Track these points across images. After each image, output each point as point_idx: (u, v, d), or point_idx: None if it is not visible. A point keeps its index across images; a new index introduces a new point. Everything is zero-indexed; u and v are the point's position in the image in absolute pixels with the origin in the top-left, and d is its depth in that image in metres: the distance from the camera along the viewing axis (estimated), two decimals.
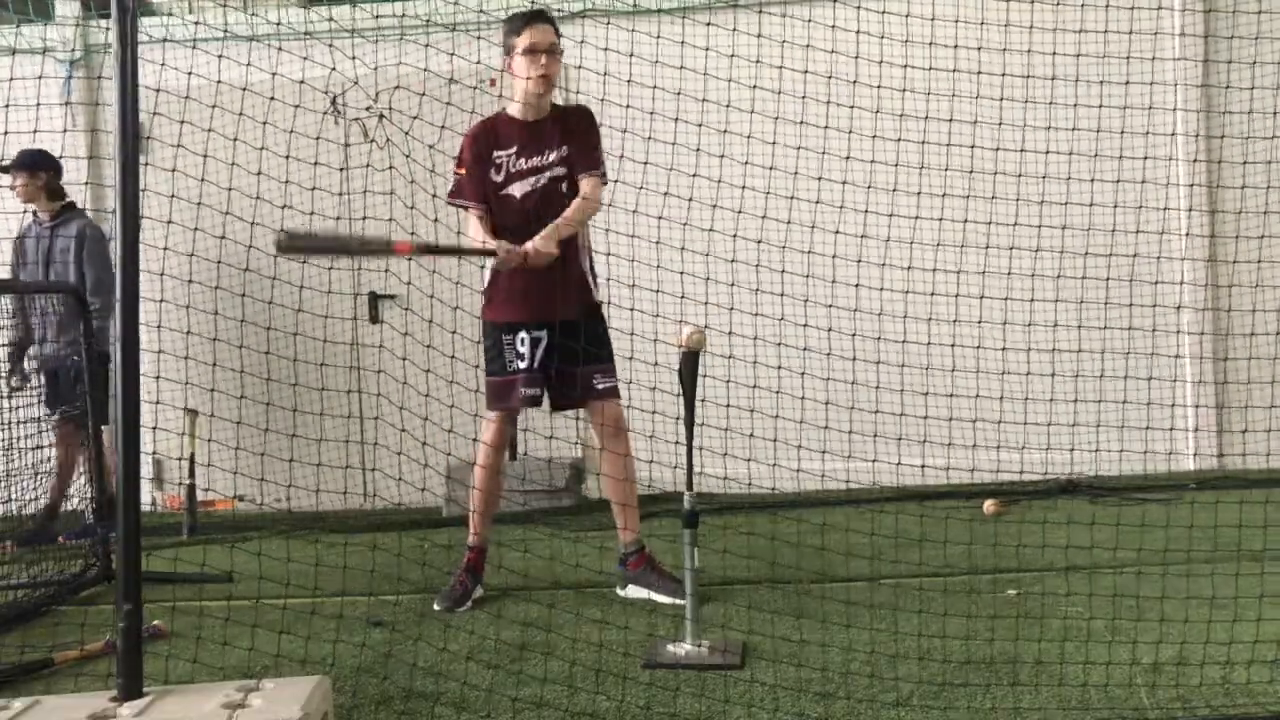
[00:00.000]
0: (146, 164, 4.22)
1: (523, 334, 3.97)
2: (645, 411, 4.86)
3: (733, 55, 5.25)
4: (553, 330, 3.96)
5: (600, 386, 4.00)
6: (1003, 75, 5.47)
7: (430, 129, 4.65)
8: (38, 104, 4.26)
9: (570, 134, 4.00)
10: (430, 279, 5.37)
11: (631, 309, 4.72)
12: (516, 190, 3.96)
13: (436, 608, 3.92)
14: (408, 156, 5.03)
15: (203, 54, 4.27)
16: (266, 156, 4.54)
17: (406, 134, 4.92)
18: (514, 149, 3.97)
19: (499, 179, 3.98)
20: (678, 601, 3.76)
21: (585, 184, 3.97)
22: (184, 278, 4.53)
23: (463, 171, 4.04)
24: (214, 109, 4.47)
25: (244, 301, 5.02)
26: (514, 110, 4.04)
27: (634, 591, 4.00)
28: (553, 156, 3.98)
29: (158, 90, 3.84)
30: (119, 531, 2.49)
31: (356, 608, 3.97)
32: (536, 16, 3.95)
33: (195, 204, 4.11)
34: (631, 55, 4.65)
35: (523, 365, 3.97)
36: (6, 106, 3.82)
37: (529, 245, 3.80)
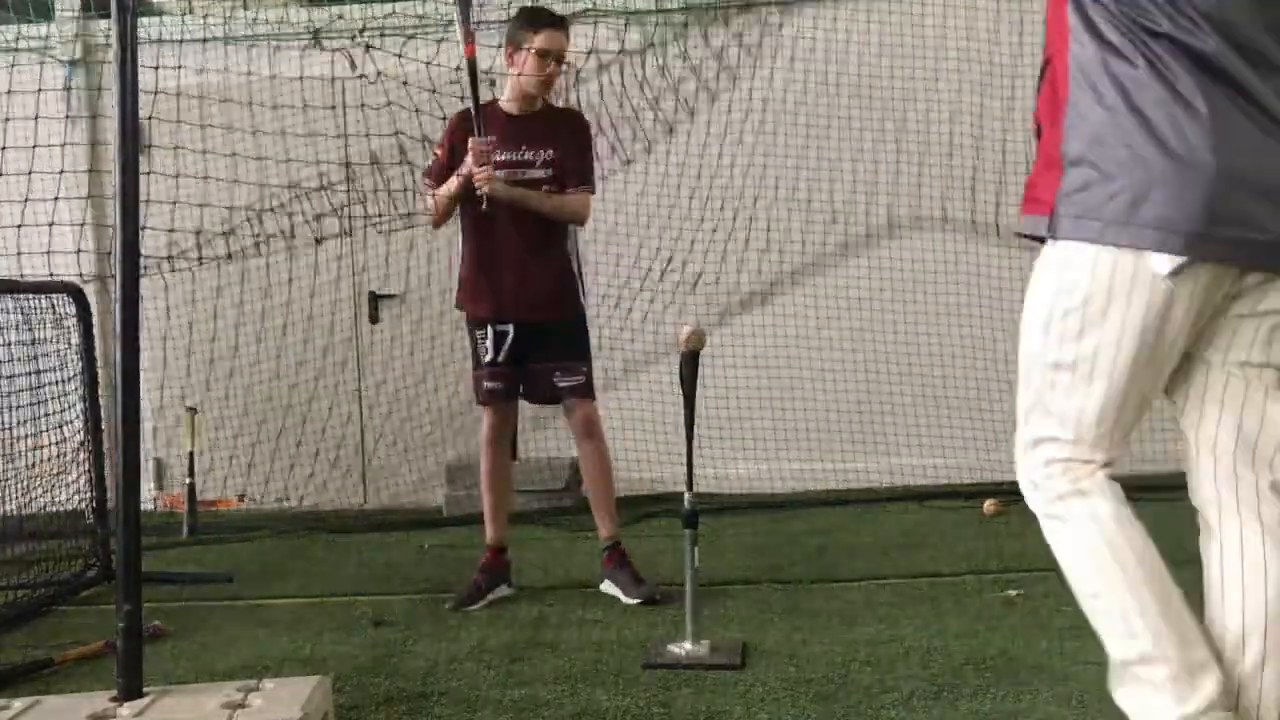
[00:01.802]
0: (149, 172, 4.21)
1: (488, 328, 3.98)
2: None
3: (740, 51, 5.24)
4: (520, 327, 3.95)
5: (561, 385, 3.98)
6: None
7: (425, 48, 4.52)
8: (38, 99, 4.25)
9: (561, 140, 3.94)
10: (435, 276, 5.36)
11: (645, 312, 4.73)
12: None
13: (447, 606, 3.90)
14: (404, 84, 4.85)
15: (202, 44, 4.25)
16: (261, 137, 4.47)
17: (399, 55, 4.76)
18: (493, 139, 3.90)
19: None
20: (635, 602, 3.83)
21: (572, 196, 3.93)
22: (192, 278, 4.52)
23: (439, 153, 4.03)
24: (210, 103, 4.48)
25: (246, 303, 5.02)
26: (504, 102, 4.02)
27: (607, 588, 4.00)
28: (533, 155, 3.91)
29: (156, 91, 3.84)
30: (119, 531, 2.48)
31: (357, 608, 3.97)
32: (557, 22, 3.93)
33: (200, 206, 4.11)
34: (637, 54, 4.64)
35: (486, 359, 3.98)
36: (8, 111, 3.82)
37: (489, 170, 3.78)
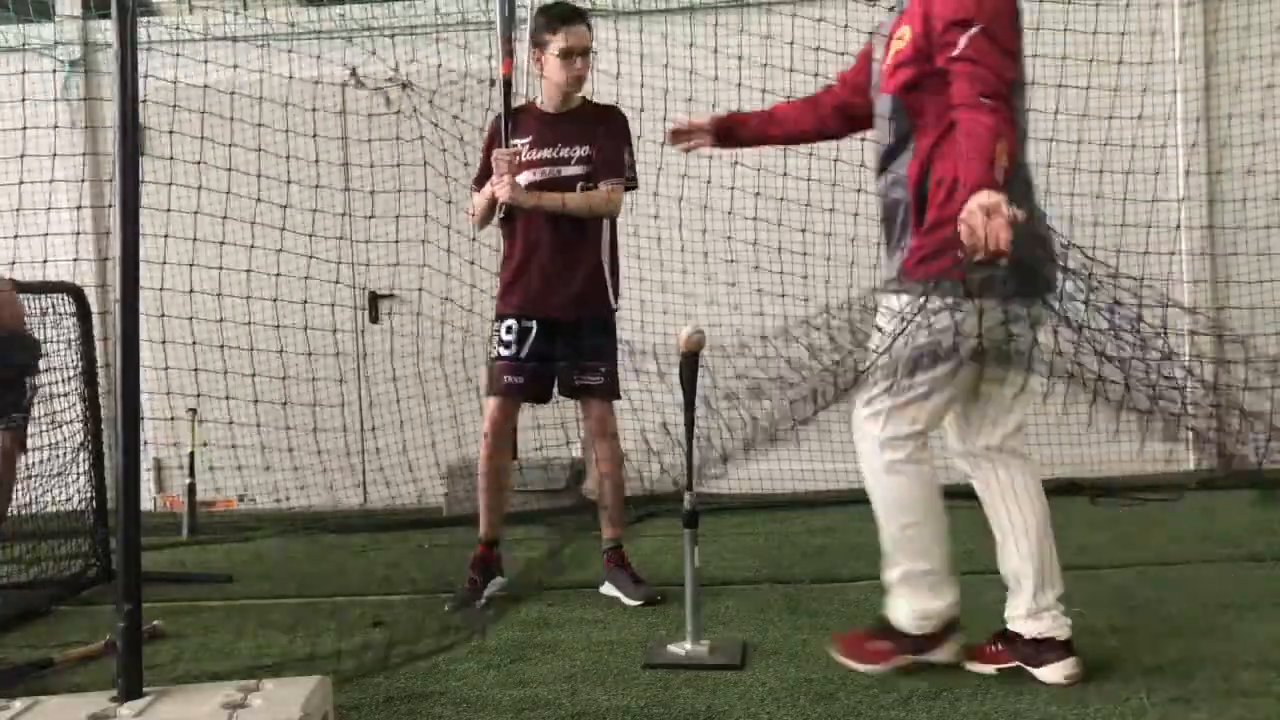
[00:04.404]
0: (148, 179, 4.21)
1: (510, 323, 3.98)
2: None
3: (740, 56, 5.23)
4: (544, 324, 3.96)
5: (579, 383, 3.99)
6: None
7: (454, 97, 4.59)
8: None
9: (597, 137, 3.94)
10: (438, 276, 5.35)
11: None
12: (523, 179, 3.88)
13: (446, 608, 3.89)
14: (435, 125, 4.90)
15: (215, 48, 4.25)
16: (279, 146, 4.47)
17: (430, 103, 4.82)
18: (529, 138, 3.93)
19: None
20: (636, 603, 3.84)
21: (603, 187, 3.93)
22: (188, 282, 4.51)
23: (483, 156, 4.06)
24: (210, 113, 4.48)
25: (245, 301, 5.02)
26: (539, 101, 4.03)
27: (607, 589, 4.00)
28: (569, 152, 3.92)
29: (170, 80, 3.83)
30: (119, 531, 2.48)
31: (357, 608, 3.96)
32: (575, 17, 3.91)
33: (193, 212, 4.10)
34: (642, 55, 4.65)
35: (506, 354, 3.97)
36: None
37: (508, 180, 3.81)
